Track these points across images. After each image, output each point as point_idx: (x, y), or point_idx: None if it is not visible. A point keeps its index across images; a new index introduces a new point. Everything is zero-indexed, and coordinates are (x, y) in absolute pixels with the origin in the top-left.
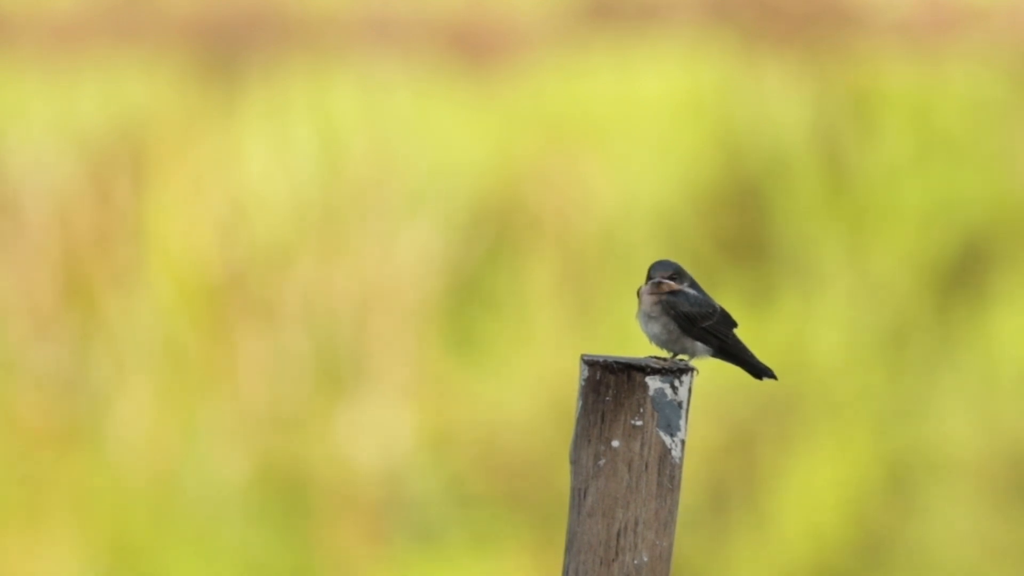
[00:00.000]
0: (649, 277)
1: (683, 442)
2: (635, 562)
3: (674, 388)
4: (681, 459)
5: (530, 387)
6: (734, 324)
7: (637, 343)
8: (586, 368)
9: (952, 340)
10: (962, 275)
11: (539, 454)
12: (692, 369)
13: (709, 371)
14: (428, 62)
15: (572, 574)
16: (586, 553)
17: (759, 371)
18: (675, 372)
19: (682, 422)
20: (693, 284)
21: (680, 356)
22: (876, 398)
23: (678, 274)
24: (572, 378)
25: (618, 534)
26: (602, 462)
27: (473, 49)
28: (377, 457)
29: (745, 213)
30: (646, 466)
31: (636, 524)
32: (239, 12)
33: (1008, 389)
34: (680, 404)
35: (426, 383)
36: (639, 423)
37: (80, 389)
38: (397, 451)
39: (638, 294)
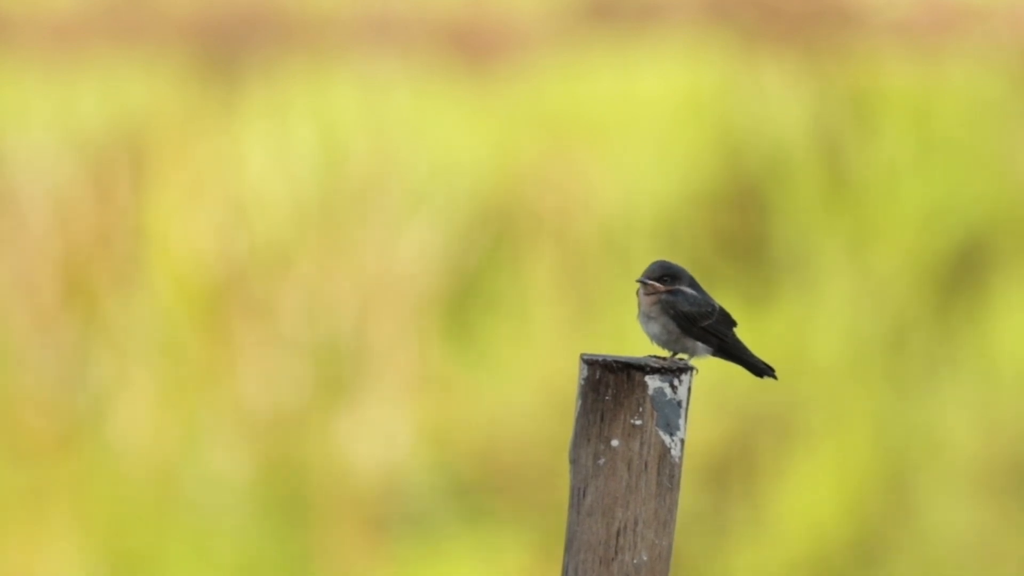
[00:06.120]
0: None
1: (682, 441)
2: (634, 561)
3: (673, 387)
4: (680, 458)
5: (530, 386)
6: (734, 323)
7: (637, 342)
8: (585, 367)
9: (952, 340)
10: (962, 275)
11: (539, 453)
12: (691, 368)
13: (708, 370)
14: (428, 62)
15: (572, 573)
16: (586, 552)
17: (759, 370)
18: (674, 371)
19: (681, 421)
20: (692, 283)
21: (680, 355)
22: (876, 398)
23: (671, 274)
24: (572, 377)
25: (618, 533)
26: (601, 461)
27: (473, 49)
28: (377, 456)
29: (745, 213)
30: (645, 465)
31: (635, 523)
32: (239, 12)
33: (1008, 389)
34: (679, 403)
35: (426, 382)
36: (639, 422)
37: (80, 389)
38: (397, 450)
39: (637, 295)
